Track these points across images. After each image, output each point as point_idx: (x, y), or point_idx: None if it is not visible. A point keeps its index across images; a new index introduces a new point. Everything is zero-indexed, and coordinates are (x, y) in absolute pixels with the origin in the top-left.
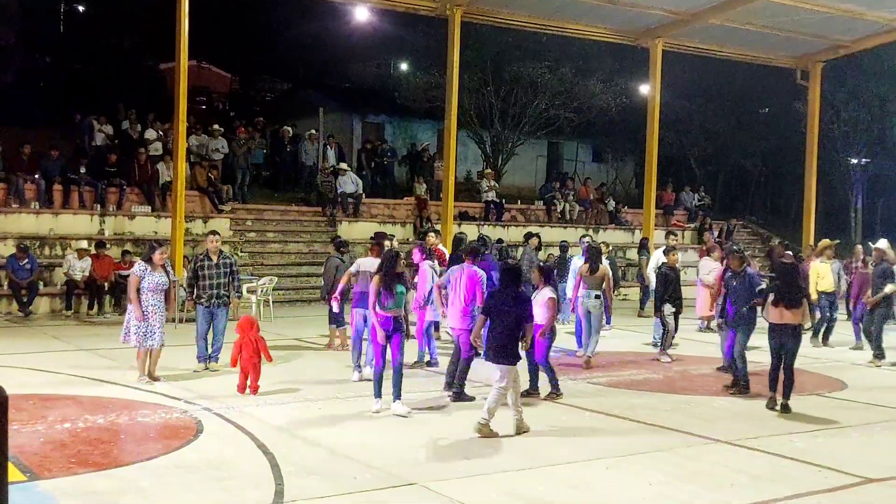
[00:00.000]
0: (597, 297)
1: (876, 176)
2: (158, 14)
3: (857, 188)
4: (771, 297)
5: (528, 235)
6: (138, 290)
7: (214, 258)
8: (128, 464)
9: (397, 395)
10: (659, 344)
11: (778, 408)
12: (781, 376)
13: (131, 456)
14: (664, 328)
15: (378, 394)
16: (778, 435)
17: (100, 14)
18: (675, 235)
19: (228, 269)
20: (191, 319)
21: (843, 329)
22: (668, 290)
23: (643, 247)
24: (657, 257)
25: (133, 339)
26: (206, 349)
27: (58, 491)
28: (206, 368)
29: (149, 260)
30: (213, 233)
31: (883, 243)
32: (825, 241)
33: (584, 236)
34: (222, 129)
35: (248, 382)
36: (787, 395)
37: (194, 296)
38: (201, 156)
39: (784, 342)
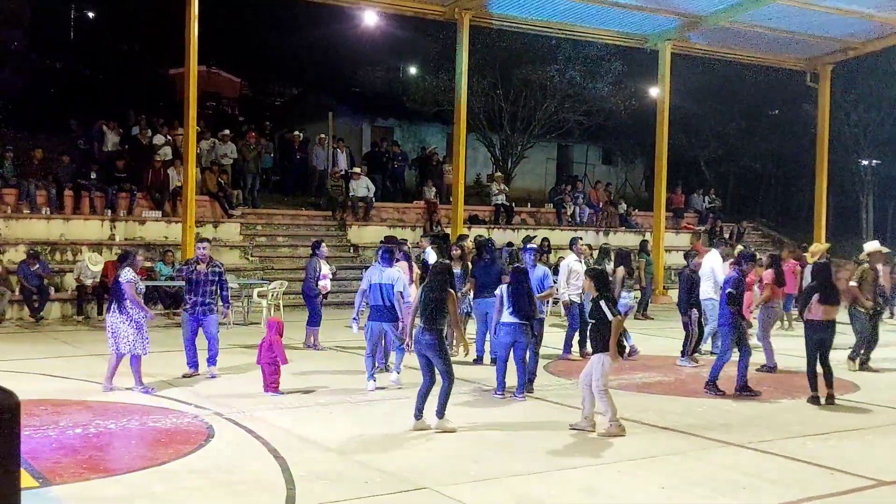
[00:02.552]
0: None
1: (887, 177)
2: (168, 19)
3: (868, 190)
4: (816, 296)
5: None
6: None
7: (203, 266)
8: (139, 469)
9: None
10: (689, 350)
11: (824, 401)
12: (820, 371)
13: (142, 461)
14: (687, 333)
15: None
16: (790, 438)
17: (109, 20)
18: (725, 240)
19: (216, 278)
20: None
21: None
22: (694, 293)
23: (643, 249)
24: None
25: (124, 346)
26: (195, 355)
27: (70, 497)
28: (196, 374)
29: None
30: (203, 240)
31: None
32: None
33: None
34: (232, 134)
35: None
36: (830, 385)
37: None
38: (211, 160)
39: (824, 337)
